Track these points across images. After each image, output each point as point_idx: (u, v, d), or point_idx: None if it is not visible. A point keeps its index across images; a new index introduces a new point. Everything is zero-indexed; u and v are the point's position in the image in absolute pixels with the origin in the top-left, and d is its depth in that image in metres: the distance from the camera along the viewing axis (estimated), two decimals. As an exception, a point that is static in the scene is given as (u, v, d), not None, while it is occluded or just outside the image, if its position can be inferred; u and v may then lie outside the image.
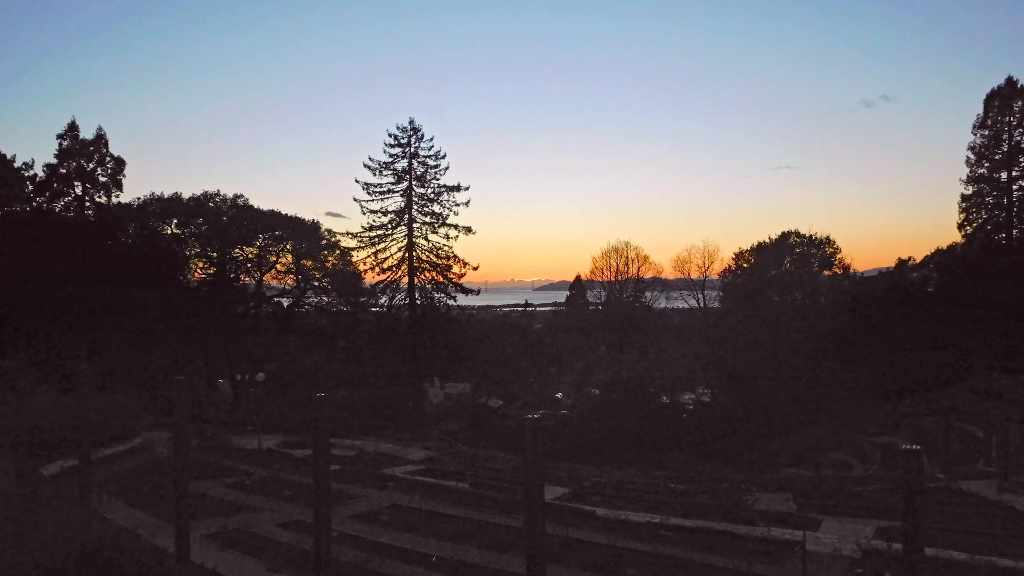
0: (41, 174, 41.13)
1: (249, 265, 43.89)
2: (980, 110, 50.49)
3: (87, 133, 42.42)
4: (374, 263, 49.20)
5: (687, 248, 59.58)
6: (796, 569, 8.32)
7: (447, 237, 49.29)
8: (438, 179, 49.07)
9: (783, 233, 50.92)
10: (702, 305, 58.47)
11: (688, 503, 12.48)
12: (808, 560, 8.46)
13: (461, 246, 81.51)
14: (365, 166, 48.93)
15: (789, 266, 50.42)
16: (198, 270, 43.07)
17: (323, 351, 45.28)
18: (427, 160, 48.98)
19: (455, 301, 50.52)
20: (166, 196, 42.14)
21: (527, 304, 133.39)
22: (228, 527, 9.88)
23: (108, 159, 42.82)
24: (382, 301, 49.73)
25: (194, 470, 12.01)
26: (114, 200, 42.66)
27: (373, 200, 49.06)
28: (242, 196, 43.12)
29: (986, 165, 50.47)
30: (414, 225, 49.22)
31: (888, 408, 35.67)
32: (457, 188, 48.99)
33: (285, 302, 46.41)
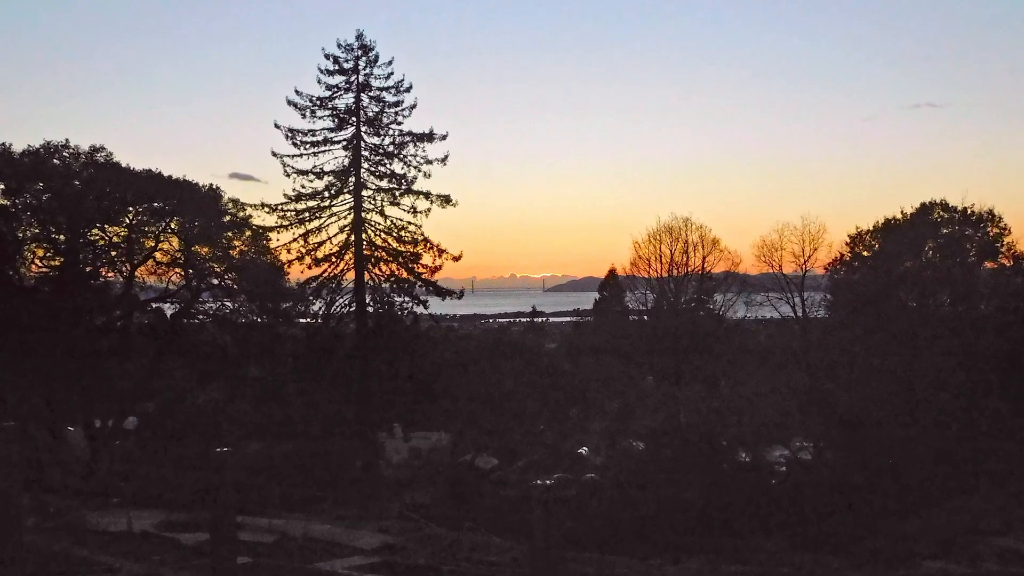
0: None
1: (114, 253, 43.94)
2: None
3: None
4: (304, 250, 49.47)
5: (777, 228, 59.48)
6: None
7: (414, 211, 49.63)
8: (400, 123, 49.40)
9: (923, 205, 50.96)
10: (800, 314, 58.52)
11: (780, 614, 12.49)
12: None
13: (435, 225, 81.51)
14: (290, 103, 49.17)
15: (932, 255, 50.43)
16: (36, 260, 43.10)
17: (226, 383, 45.35)
18: (383, 95, 49.20)
19: (426, 308, 50.74)
20: (-12, 149, 42.18)
21: (535, 313, 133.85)
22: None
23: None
24: (316, 308, 49.86)
25: (29, 565, 11.98)
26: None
27: (302, 155, 49.32)
28: (103, 149, 43.20)
29: None
30: (364, 192, 49.38)
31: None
32: (429, 137, 49.17)
33: (169, 309, 46.43)
